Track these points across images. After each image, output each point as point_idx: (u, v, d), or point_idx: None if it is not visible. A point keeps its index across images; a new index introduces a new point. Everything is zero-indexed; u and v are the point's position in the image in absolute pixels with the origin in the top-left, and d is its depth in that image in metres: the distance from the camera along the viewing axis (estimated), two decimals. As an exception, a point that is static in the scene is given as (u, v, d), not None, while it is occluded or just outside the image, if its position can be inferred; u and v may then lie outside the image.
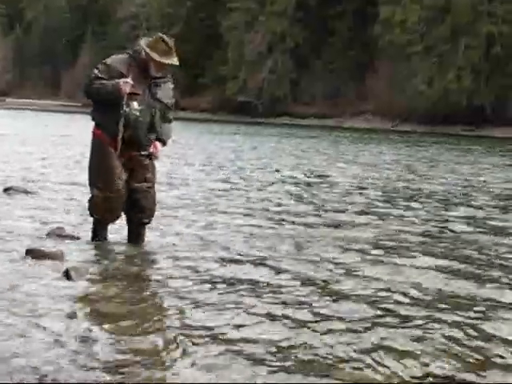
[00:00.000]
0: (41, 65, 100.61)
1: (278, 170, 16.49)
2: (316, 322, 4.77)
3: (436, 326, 4.77)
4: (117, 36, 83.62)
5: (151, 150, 6.90)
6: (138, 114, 6.56)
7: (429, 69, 55.07)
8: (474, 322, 4.91)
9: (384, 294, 5.53)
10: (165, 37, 6.68)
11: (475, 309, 5.23)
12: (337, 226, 8.88)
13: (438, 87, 53.74)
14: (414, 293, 5.58)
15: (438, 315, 5.01)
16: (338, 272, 6.22)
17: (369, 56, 62.32)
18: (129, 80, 6.46)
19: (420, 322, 4.86)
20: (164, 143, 7.02)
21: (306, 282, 5.85)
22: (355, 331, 4.59)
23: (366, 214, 10.04)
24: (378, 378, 3.88)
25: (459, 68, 53.20)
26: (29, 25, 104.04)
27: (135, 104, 6.54)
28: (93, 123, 6.88)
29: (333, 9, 66.03)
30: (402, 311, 5.09)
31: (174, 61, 6.64)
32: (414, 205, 11.29)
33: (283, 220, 9.18)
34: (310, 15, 67.08)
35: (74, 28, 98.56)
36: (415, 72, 55.27)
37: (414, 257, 6.99)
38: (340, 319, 4.84)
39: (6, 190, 10.54)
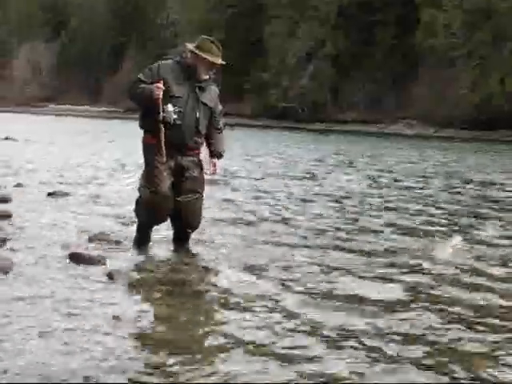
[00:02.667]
0: (84, 71, 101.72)
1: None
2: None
3: None
4: (160, 43, 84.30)
5: (211, 169, 6.94)
6: (175, 116, 6.54)
7: (471, 73, 54.58)
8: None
9: None
10: (211, 38, 6.72)
11: None
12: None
13: (481, 92, 53.22)
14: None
15: None
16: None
17: (410, 63, 61.88)
18: (159, 85, 6.45)
19: None
20: (219, 156, 7.03)
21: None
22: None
23: None
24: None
25: (502, 72, 52.64)
26: (73, 32, 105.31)
27: (170, 106, 6.51)
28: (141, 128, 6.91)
29: (374, 16, 65.67)
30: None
31: (222, 61, 6.67)
32: None
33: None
34: (351, 22, 66.81)
35: (118, 35, 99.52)
36: (457, 77, 54.79)
37: None
38: None
39: (49, 194, 10.65)
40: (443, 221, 9.97)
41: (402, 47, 62.65)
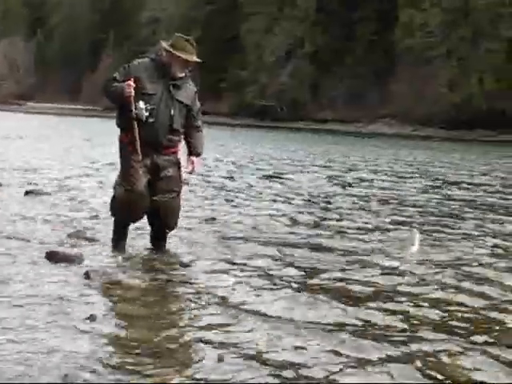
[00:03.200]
0: (62, 69, 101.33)
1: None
2: None
3: None
4: (138, 41, 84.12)
5: (189, 167, 6.92)
6: (146, 114, 6.51)
7: (450, 72, 54.89)
8: None
9: None
10: (186, 36, 6.70)
11: None
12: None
13: (459, 91, 53.54)
14: None
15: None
16: None
17: (390, 61, 62.15)
18: (130, 82, 6.43)
19: None
20: (197, 155, 7.01)
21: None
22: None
23: None
24: None
25: (481, 71, 52.96)
26: (50, 30, 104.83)
27: (141, 104, 6.48)
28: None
29: (354, 13, 65.92)
30: None
31: (197, 58, 6.66)
32: None
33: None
34: (330, 19, 67.02)
35: (96, 33, 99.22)
36: (436, 76, 55.09)
37: None
38: None
39: (27, 192, 10.59)
40: (407, 219, 10.05)
41: (382, 43, 62.92)
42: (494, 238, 8.70)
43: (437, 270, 6.58)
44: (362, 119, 61.91)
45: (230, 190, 12.82)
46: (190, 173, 7.04)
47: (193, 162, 6.95)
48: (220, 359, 4.05)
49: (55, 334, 4.33)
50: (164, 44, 6.69)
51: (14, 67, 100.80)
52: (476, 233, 8.99)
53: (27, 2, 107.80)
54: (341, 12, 66.48)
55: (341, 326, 4.76)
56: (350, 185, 14.80)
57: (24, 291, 5.22)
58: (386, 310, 5.20)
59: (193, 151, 6.97)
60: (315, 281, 6.05)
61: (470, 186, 15.49)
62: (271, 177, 15.86)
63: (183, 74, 6.72)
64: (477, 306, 5.42)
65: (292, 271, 6.38)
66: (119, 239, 6.93)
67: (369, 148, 32.69)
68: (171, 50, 6.58)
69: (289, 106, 67.31)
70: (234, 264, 6.54)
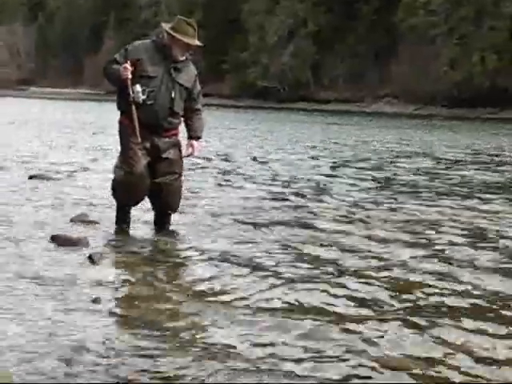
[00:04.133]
0: (64, 53, 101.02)
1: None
2: None
3: None
4: (139, 23, 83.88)
5: (188, 150, 6.91)
6: (143, 97, 6.50)
7: (452, 51, 54.65)
8: None
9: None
10: (187, 19, 6.68)
11: None
12: None
13: (462, 69, 53.34)
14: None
15: None
16: None
17: (392, 39, 61.91)
18: (127, 65, 6.42)
19: None
20: (197, 138, 6.98)
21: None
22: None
23: None
24: None
25: (483, 50, 52.73)
26: (51, 13, 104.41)
27: (138, 87, 6.46)
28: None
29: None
30: None
31: (198, 42, 6.65)
32: None
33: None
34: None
35: (97, 16, 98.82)
36: (438, 55, 54.88)
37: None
38: None
39: (31, 177, 10.63)
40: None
41: (383, 22, 62.62)
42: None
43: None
44: (364, 99, 61.75)
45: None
46: (188, 156, 7.03)
47: (192, 146, 6.94)
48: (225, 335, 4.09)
49: (59, 317, 4.36)
50: (165, 26, 6.67)
51: (15, 53, 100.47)
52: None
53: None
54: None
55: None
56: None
57: (27, 274, 5.25)
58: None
59: (192, 135, 6.95)
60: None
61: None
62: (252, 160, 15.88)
63: (184, 57, 6.72)
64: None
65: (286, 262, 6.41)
66: (122, 222, 6.97)
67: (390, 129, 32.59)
68: (172, 32, 6.56)
69: (291, 86, 67.11)
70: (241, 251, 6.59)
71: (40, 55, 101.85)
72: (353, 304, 4.84)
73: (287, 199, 9.68)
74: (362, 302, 4.88)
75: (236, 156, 16.13)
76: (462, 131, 31.64)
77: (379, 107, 58.37)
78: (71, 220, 7.35)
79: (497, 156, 18.41)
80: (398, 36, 61.15)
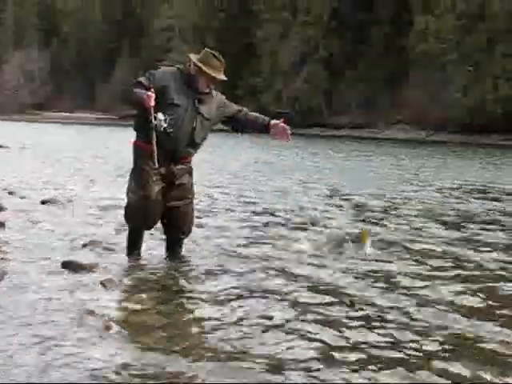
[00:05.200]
0: (77, 78, 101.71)
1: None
2: None
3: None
4: (152, 49, 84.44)
5: (285, 134, 6.91)
6: (165, 125, 6.50)
7: (464, 77, 54.71)
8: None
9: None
10: (214, 52, 6.71)
11: None
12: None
13: (474, 96, 53.35)
14: None
15: None
16: None
17: (404, 65, 62.10)
18: (150, 93, 6.40)
19: None
20: (268, 121, 6.99)
21: None
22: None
23: None
24: None
25: (495, 76, 52.76)
26: (65, 38, 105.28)
27: (160, 115, 6.47)
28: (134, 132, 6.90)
29: (368, 17, 65.89)
30: None
31: (224, 76, 6.69)
32: None
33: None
34: (344, 24, 67.02)
35: (110, 41, 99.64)
36: (450, 81, 54.95)
37: None
38: None
39: (43, 202, 10.65)
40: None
41: (395, 48, 62.87)
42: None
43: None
44: (377, 124, 61.85)
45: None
46: (285, 136, 6.93)
47: (278, 126, 6.95)
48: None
49: (72, 343, 4.35)
50: (193, 58, 6.70)
51: (29, 77, 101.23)
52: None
53: (40, 12, 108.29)
54: (355, 17, 66.47)
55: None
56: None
57: (39, 300, 5.23)
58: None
59: (264, 122, 7.02)
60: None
61: None
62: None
63: (208, 90, 6.75)
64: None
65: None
66: (134, 247, 6.93)
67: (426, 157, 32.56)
68: (199, 64, 6.59)
69: (303, 111, 67.28)
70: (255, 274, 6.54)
71: (54, 80, 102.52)
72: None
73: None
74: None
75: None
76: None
77: (392, 133, 58.39)
78: (83, 245, 7.34)
79: None
80: (410, 62, 61.33)
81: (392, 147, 39.78)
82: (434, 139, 52.56)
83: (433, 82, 56.36)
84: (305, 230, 9.05)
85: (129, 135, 7.07)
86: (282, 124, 6.97)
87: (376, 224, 9.86)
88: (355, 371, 4.07)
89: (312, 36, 68.96)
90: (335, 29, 67.73)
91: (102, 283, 5.76)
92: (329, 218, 10.22)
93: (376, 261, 7.13)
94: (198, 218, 8.44)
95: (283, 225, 9.61)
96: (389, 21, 65.18)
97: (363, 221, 10.19)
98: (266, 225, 9.54)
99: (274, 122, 6.99)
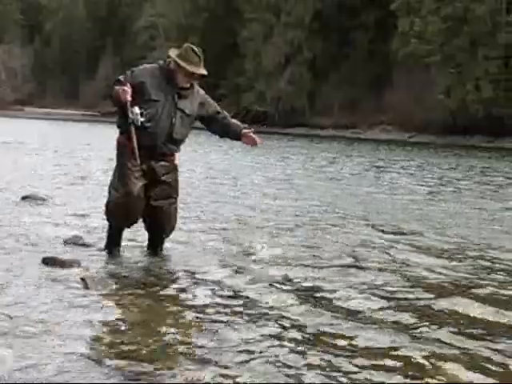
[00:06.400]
0: (60, 75, 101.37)
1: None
2: None
3: None
4: (136, 47, 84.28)
5: (256, 140, 6.93)
6: (142, 119, 6.49)
7: (447, 79, 54.92)
8: None
9: None
10: (194, 47, 6.70)
11: None
12: None
13: (457, 98, 53.56)
14: None
15: None
16: None
17: (387, 67, 62.25)
18: (126, 88, 6.42)
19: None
20: (241, 130, 6.98)
21: None
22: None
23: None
24: None
25: (478, 78, 52.99)
26: (48, 35, 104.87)
27: (136, 109, 6.47)
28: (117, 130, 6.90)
29: (352, 20, 66.03)
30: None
31: (203, 71, 6.67)
32: None
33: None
34: (328, 26, 67.13)
35: (94, 39, 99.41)
36: (434, 83, 55.15)
37: None
38: None
39: (23, 198, 10.59)
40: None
41: (379, 50, 63.01)
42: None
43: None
44: (359, 125, 62.03)
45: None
46: (255, 144, 6.97)
47: (249, 136, 6.97)
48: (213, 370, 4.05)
49: (52, 340, 4.33)
50: (172, 53, 6.71)
51: (11, 73, 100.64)
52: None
53: (24, 9, 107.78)
54: (339, 20, 66.58)
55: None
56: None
57: (20, 297, 5.21)
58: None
59: (237, 129, 6.99)
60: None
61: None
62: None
63: (188, 85, 6.74)
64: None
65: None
66: (114, 243, 6.93)
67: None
68: (178, 59, 6.59)
69: (286, 112, 67.36)
70: (239, 269, 6.55)
71: (37, 76, 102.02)
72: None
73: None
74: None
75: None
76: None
77: (374, 134, 58.53)
78: (64, 242, 7.31)
79: None
80: (394, 64, 61.46)
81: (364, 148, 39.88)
82: (417, 140, 52.69)
83: (416, 84, 56.47)
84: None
85: (113, 131, 7.05)
86: (251, 134, 6.97)
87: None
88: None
89: (295, 37, 69.00)
90: (318, 31, 67.76)
91: (83, 280, 5.74)
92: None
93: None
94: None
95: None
96: (373, 25, 65.29)
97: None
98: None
99: (244, 131, 6.97)
